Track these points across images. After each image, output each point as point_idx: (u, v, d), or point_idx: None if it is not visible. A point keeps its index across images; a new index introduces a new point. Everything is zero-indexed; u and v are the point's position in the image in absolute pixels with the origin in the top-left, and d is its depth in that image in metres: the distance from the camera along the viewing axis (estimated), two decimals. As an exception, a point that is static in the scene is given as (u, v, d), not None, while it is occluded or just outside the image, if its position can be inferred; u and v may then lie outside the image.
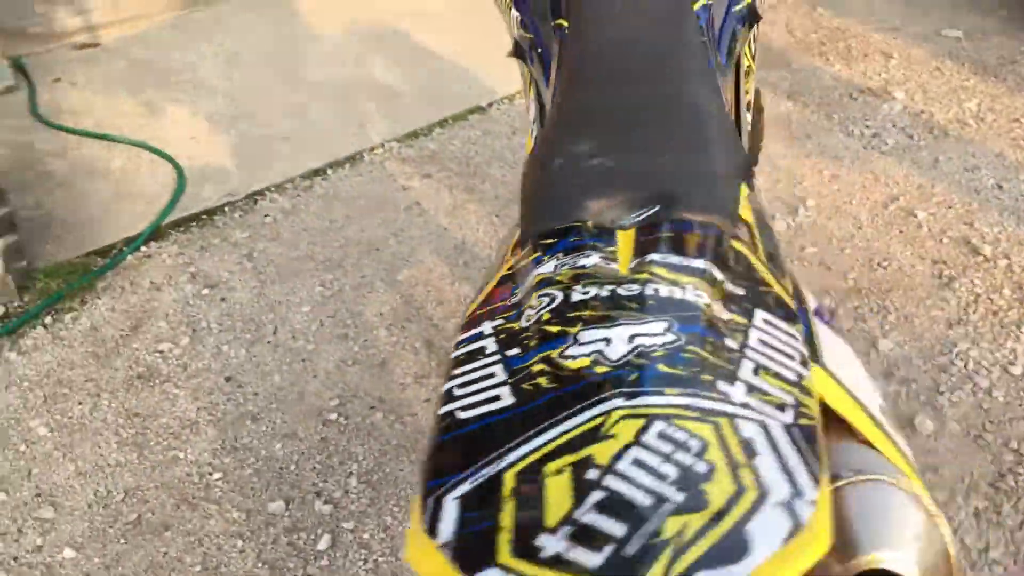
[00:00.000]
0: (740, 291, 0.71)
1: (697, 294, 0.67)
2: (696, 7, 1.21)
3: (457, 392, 0.62)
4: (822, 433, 0.58)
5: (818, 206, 2.80)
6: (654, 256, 0.72)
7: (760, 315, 0.69)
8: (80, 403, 2.21)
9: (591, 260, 0.72)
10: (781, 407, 0.59)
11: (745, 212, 0.91)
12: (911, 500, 0.69)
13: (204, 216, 2.85)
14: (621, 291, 0.67)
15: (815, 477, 0.53)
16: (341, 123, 3.25)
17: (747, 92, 1.50)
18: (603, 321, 0.64)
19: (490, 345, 0.65)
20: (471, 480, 0.53)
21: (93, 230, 2.78)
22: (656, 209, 0.77)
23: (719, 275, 0.71)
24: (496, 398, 0.59)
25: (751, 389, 0.60)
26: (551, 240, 0.76)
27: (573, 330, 0.64)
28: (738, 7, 1.33)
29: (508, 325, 0.67)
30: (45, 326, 2.44)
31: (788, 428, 0.57)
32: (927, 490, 0.69)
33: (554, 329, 0.64)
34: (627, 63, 1.10)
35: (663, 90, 1.03)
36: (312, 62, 3.63)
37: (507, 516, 0.50)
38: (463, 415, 0.59)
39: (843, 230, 2.69)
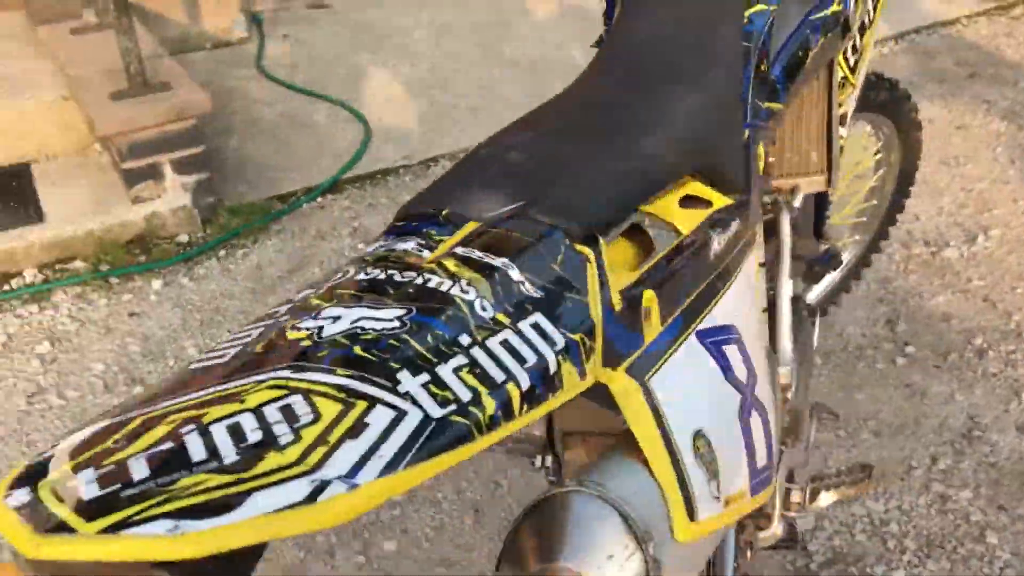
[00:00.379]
0: (536, 294, 0.71)
1: (466, 290, 0.69)
2: (750, 11, 1.18)
3: (217, 346, 0.67)
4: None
5: (1002, 237, 2.59)
6: (458, 249, 0.73)
7: (533, 319, 0.69)
8: (229, 331, 2.43)
9: (407, 245, 0.75)
10: (445, 402, 0.60)
11: (684, 222, 0.90)
12: (623, 524, 0.67)
13: (379, 175, 3.01)
14: (397, 277, 0.70)
15: (394, 467, 0.54)
16: (527, 99, 3.32)
17: (841, 104, 1.43)
18: (351, 301, 0.67)
19: (281, 310, 0.69)
20: (117, 417, 0.58)
21: (280, 176, 3.01)
22: (517, 205, 0.78)
23: (516, 275, 0.71)
24: (224, 355, 0.64)
25: (432, 382, 0.61)
26: (402, 223, 0.79)
27: (326, 305, 0.67)
28: (819, 14, 1.27)
29: (310, 296, 0.71)
30: (218, 258, 2.69)
31: (427, 420, 0.58)
32: (692, 525, 0.67)
33: (314, 302, 0.68)
34: (636, 62, 1.10)
35: (646, 91, 1.03)
36: (515, 38, 3.73)
37: (90, 453, 0.54)
38: (193, 365, 0.65)
39: (1022, 267, 2.47)
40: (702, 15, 1.18)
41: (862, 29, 1.43)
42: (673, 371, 0.80)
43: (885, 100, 1.91)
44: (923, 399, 2.12)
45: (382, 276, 0.70)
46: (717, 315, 0.90)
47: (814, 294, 2.22)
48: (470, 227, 0.76)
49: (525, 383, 0.65)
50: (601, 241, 0.78)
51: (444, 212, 0.78)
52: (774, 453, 0.98)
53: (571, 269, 0.75)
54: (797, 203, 1.52)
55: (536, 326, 0.69)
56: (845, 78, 1.43)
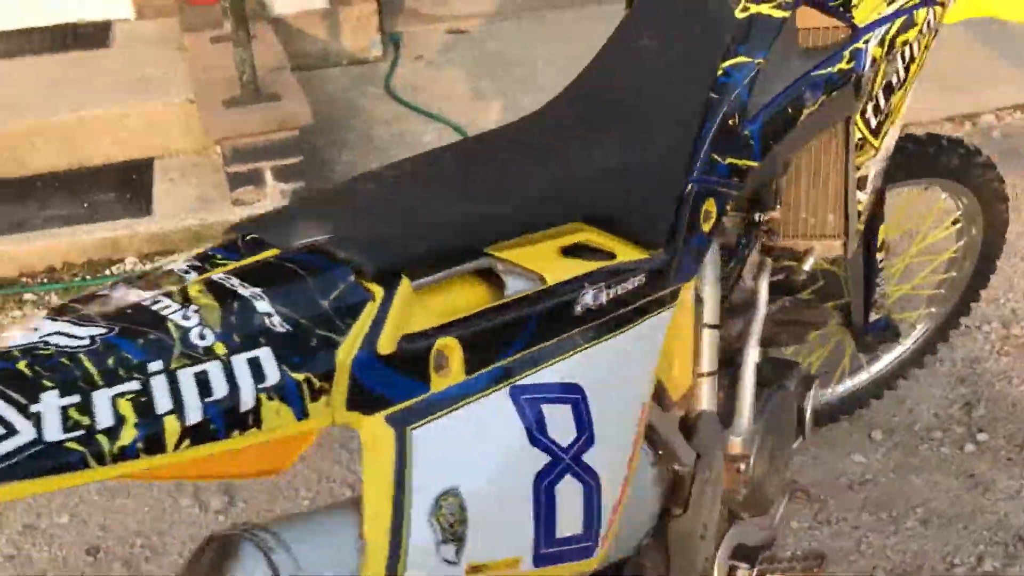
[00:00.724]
0: (278, 328, 0.70)
1: (188, 316, 0.68)
2: (727, 63, 1.13)
3: None
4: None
5: (1116, 327, 2.37)
6: (216, 276, 0.73)
7: (255, 354, 0.68)
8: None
9: (179, 266, 0.75)
10: (75, 427, 0.60)
11: (554, 271, 0.86)
12: (269, 571, 0.67)
13: (474, 200, 3.05)
14: (131, 296, 0.70)
15: None
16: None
17: (859, 167, 1.35)
18: (68, 315, 0.68)
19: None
20: None
21: (380, 192, 3.09)
22: (324, 238, 0.78)
23: (264, 307, 0.70)
24: None
25: (77, 406, 0.61)
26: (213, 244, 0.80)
27: (41, 317, 0.69)
28: (822, 71, 1.20)
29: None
30: (305, 265, 2.78)
31: (35, 443, 0.58)
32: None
33: (41, 315, 0.70)
34: (590, 99, 1.09)
35: (571, 131, 1.01)
36: (640, 75, 3.70)
37: None
38: None
39: None
40: (677, 61, 1.14)
41: (889, 89, 1.35)
42: (453, 424, 0.77)
43: (959, 167, 1.79)
44: (985, 492, 1.96)
45: (118, 293, 0.72)
46: (561, 371, 0.86)
47: (880, 365, 2.10)
48: (263, 255, 0.76)
49: (195, 417, 0.65)
50: (404, 281, 0.76)
51: (247, 238, 0.79)
52: (603, 524, 0.92)
53: (345, 307, 0.73)
54: (807, 266, 1.44)
55: (254, 361, 0.68)
56: (864, 140, 1.34)
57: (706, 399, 1.15)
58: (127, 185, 2.96)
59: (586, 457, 0.87)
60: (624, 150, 1.02)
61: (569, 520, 0.88)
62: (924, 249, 2.01)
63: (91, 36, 3.70)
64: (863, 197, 1.38)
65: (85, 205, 2.85)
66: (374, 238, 0.79)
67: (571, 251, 0.92)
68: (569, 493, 0.87)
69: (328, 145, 3.29)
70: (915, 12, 1.30)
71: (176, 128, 3.10)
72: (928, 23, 1.32)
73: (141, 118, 3.09)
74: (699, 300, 1.14)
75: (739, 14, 1.16)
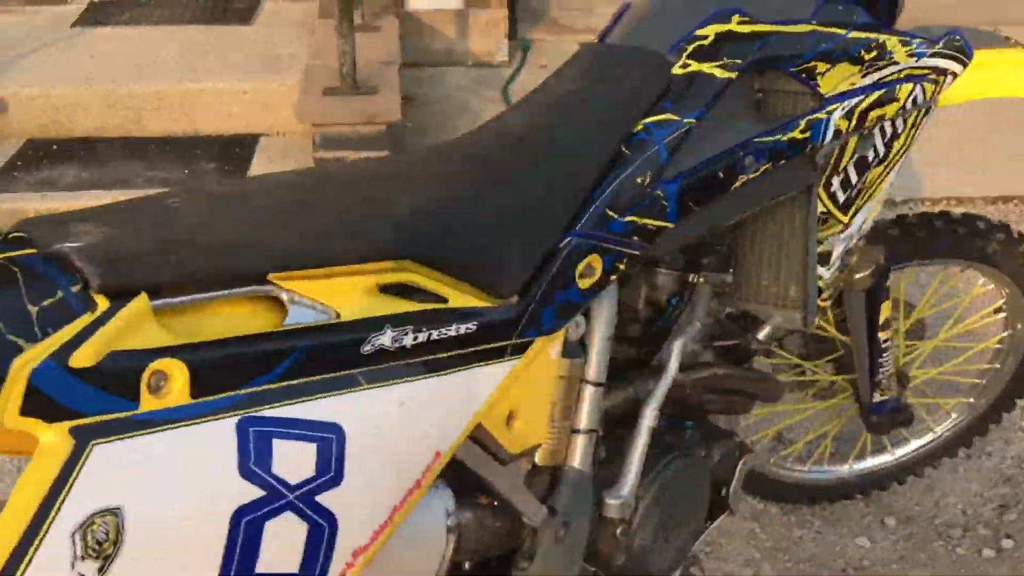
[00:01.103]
0: None
1: None
2: (649, 120, 1.09)
3: None
4: None
5: None
6: None
7: None
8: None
9: None
10: None
11: (351, 307, 0.86)
12: None
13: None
14: None
15: None
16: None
17: (821, 241, 1.28)
18: None
19: None
20: None
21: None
22: (68, 246, 0.79)
23: None
24: None
25: None
26: None
27: None
28: (767, 138, 1.15)
29: None
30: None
31: None
32: None
33: None
34: (493, 138, 1.09)
35: (438, 168, 1.01)
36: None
37: None
38: None
39: None
40: (597, 112, 1.12)
41: (863, 164, 1.27)
42: (148, 445, 0.77)
43: (997, 253, 1.66)
44: (988, 604, 1.82)
45: None
46: (321, 409, 0.85)
47: (906, 449, 1.97)
48: (8, 255, 0.79)
49: None
50: (140, 298, 0.77)
51: (11, 235, 0.82)
52: (333, 569, 0.89)
53: (52, 316, 0.75)
54: (762, 335, 1.38)
55: None
56: (829, 213, 1.27)
57: (579, 457, 1.12)
58: (229, 158, 3.12)
59: (322, 498, 0.86)
60: (499, 194, 1.01)
61: (279, 560, 0.87)
62: (959, 335, 1.87)
63: (239, 12, 3.91)
64: (825, 273, 1.30)
65: (186, 171, 3.03)
66: (127, 251, 0.80)
67: (391, 290, 0.91)
68: (284, 532, 0.86)
69: (428, 143, 3.35)
70: (898, 87, 1.21)
71: (287, 109, 3.22)
72: (914, 99, 1.24)
73: (257, 96, 3.24)
74: (585, 355, 1.11)
75: (677, 71, 1.13)
